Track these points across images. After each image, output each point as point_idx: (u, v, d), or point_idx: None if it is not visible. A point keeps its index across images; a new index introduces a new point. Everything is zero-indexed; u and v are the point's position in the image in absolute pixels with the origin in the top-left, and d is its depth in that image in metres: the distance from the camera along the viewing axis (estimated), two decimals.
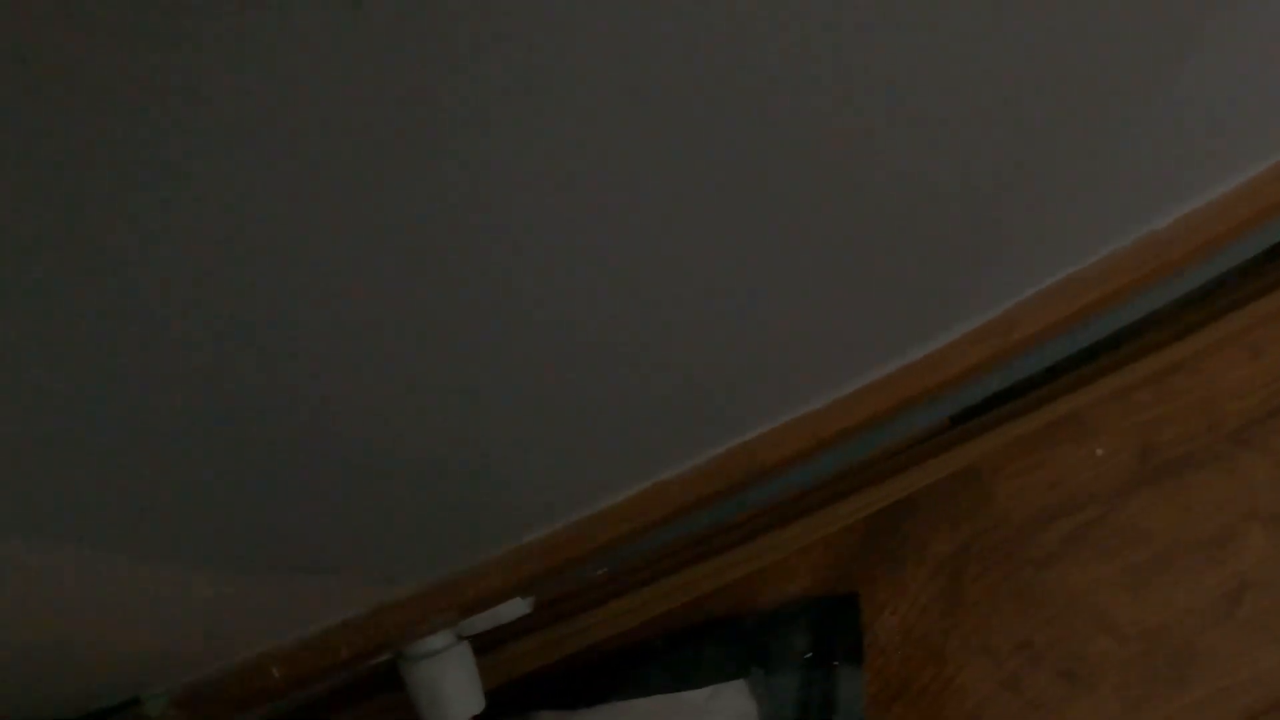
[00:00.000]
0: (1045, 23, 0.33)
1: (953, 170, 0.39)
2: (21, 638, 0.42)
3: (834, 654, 0.80)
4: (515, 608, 0.71)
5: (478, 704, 0.72)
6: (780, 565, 0.82)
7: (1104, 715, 0.75)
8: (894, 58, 0.30)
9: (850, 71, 0.30)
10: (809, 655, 0.81)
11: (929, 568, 0.80)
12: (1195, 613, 0.76)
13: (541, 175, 0.28)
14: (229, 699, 0.63)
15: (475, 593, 0.59)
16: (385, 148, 0.25)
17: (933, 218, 0.42)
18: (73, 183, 0.22)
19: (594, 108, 0.27)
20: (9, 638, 0.41)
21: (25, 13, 0.18)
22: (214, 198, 0.24)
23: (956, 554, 0.80)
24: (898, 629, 0.80)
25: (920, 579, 0.80)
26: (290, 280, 0.28)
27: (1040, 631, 0.77)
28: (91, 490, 0.33)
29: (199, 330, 0.28)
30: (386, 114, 0.24)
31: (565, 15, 0.24)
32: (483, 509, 0.52)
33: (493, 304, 0.34)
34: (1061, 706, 0.76)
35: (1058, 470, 0.80)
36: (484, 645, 0.82)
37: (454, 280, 0.31)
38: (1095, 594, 0.77)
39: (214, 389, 0.31)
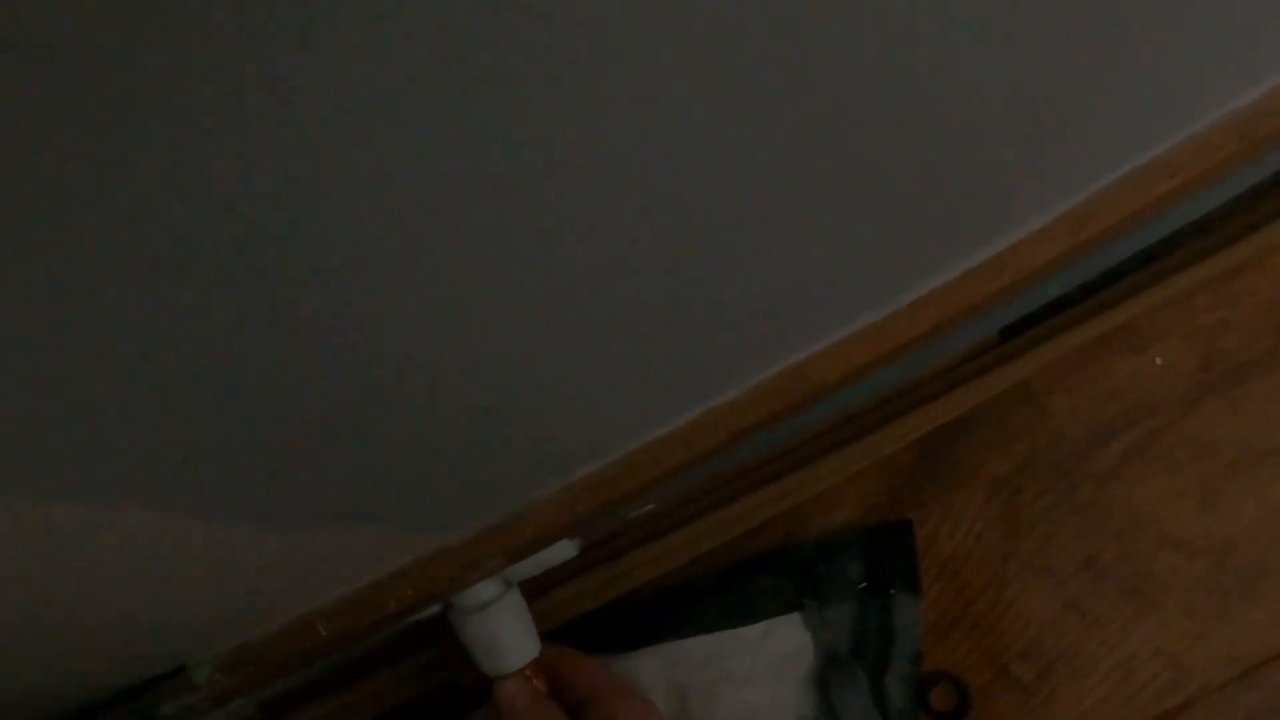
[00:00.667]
0: None
1: (1028, 54, 0.36)
2: (86, 611, 0.40)
3: (889, 582, 0.78)
4: (563, 550, 0.69)
5: (535, 648, 0.70)
6: (830, 494, 0.80)
7: (1170, 632, 0.73)
8: None
9: None
10: (863, 585, 0.79)
11: (984, 490, 0.78)
12: (1267, 524, 0.73)
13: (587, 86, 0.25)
14: (275, 660, 0.61)
15: (527, 535, 0.57)
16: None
17: (1000, 106, 0.38)
18: None
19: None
20: (74, 611, 0.39)
21: None
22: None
23: (1013, 474, 0.77)
24: (954, 554, 0.77)
25: (976, 502, 0.78)
26: (357, 222, 0.25)
27: (1103, 549, 0.75)
28: (151, 449, 0.30)
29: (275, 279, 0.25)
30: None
31: None
32: (533, 448, 0.49)
33: (545, 233, 0.31)
34: (1127, 625, 0.74)
35: (1115, 382, 0.77)
36: (531, 591, 0.80)
37: (506, 214, 0.28)
38: (1160, 509, 0.74)
39: (276, 337, 0.28)
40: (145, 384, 0.27)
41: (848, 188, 0.40)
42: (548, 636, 0.81)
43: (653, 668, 0.78)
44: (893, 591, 0.77)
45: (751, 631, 0.78)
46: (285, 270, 0.26)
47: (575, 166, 0.28)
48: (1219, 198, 0.72)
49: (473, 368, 0.38)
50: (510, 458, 0.48)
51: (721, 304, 0.45)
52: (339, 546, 0.54)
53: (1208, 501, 0.73)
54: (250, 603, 0.57)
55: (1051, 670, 0.75)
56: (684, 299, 0.42)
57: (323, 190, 0.24)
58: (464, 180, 0.26)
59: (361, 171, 0.24)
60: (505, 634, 0.69)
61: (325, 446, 0.36)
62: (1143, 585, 0.74)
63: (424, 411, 0.39)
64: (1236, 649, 0.72)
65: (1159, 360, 0.77)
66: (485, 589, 0.70)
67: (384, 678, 0.83)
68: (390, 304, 0.30)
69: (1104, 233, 0.46)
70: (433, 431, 0.41)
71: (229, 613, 0.57)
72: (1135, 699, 0.73)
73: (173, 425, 0.30)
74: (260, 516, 0.39)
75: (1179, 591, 0.73)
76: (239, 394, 0.30)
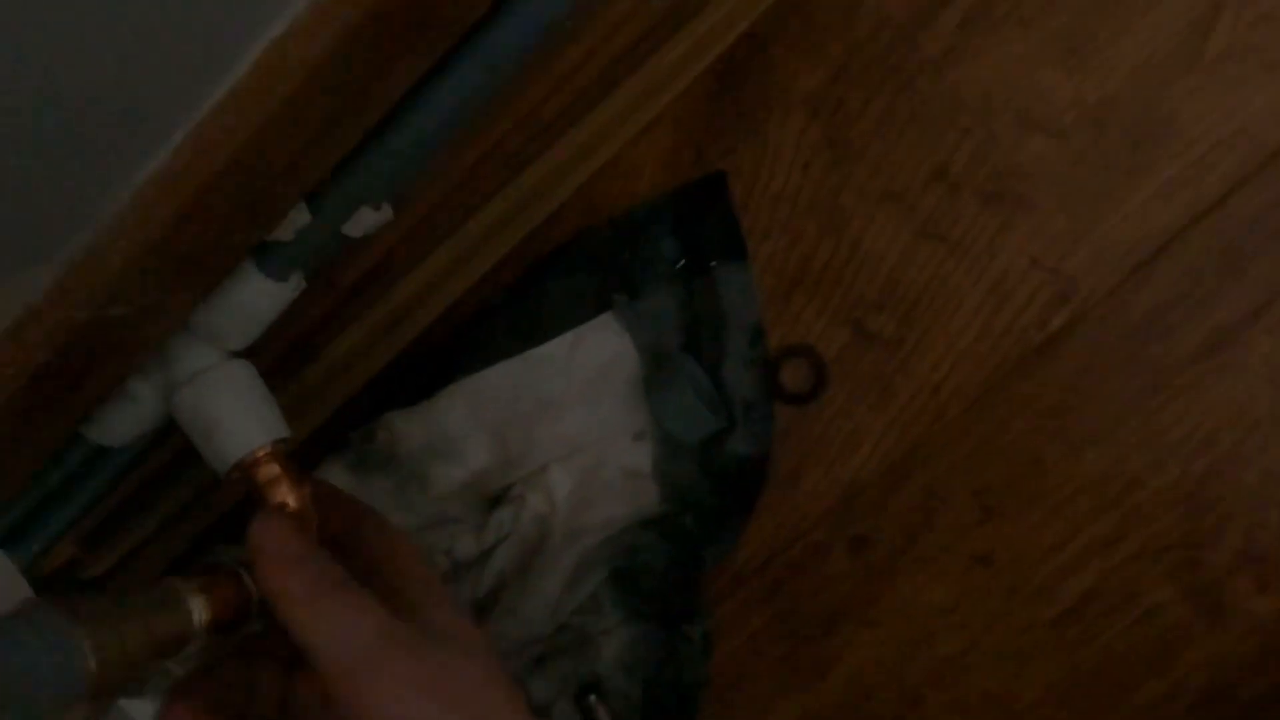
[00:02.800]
0: None
1: None
2: None
3: (709, 253, 0.63)
4: (262, 287, 0.54)
5: (273, 429, 0.57)
6: (618, 161, 0.64)
7: (1045, 238, 0.58)
8: None
9: None
10: (680, 262, 0.64)
11: (800, 113, 0.61)
12: (1152, 69, 0.56)
13: None
14: None
15: (115, 265, 0.42)
16: None
17: None
18: None
19: None
20: None
21: None
22: None
23: (831, 84, 0.60)
24: (780, 200, 0.62)
25: (792, 131, 0.61)
26: None
27: (954, 154, 0.59)
28: None
29: None
30: None
31: None
32: (73, 141, 0.34)
33: None
34: (994, 240, 0.59)
35: None
36: (292, 364, 0.67)
37: None
38: (1015, 84, 0.58)
39: None
40: None
41: None
42: (341, 412, 0.68)
43: (459, 413, 0.65)
44: (715, 263, 0.62)
45: (557, 346, 0.64)
46: None
47: None
48: None
49: None
50: (38, 154, 0.33)
51: None
52: None
53: (1073, 59, 0.56)
54: None
55: (914, 315, 0.61)
56: None
57: None
58: None
59: None
60: (219, 410, 0.55)
61: None
62: (1007, 186, 0.58)
63: None
64: (1125, 241, 0.57)
65: None
66: (186, 360, 0.56)
67: (186, 487, 0.71)
68: None
69: None
70: None
71: None
72: (1015, 326, 0.59)
73: None
74: None
75: (1051, 184, 0.57)
76: None
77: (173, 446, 0.70)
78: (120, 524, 0.72)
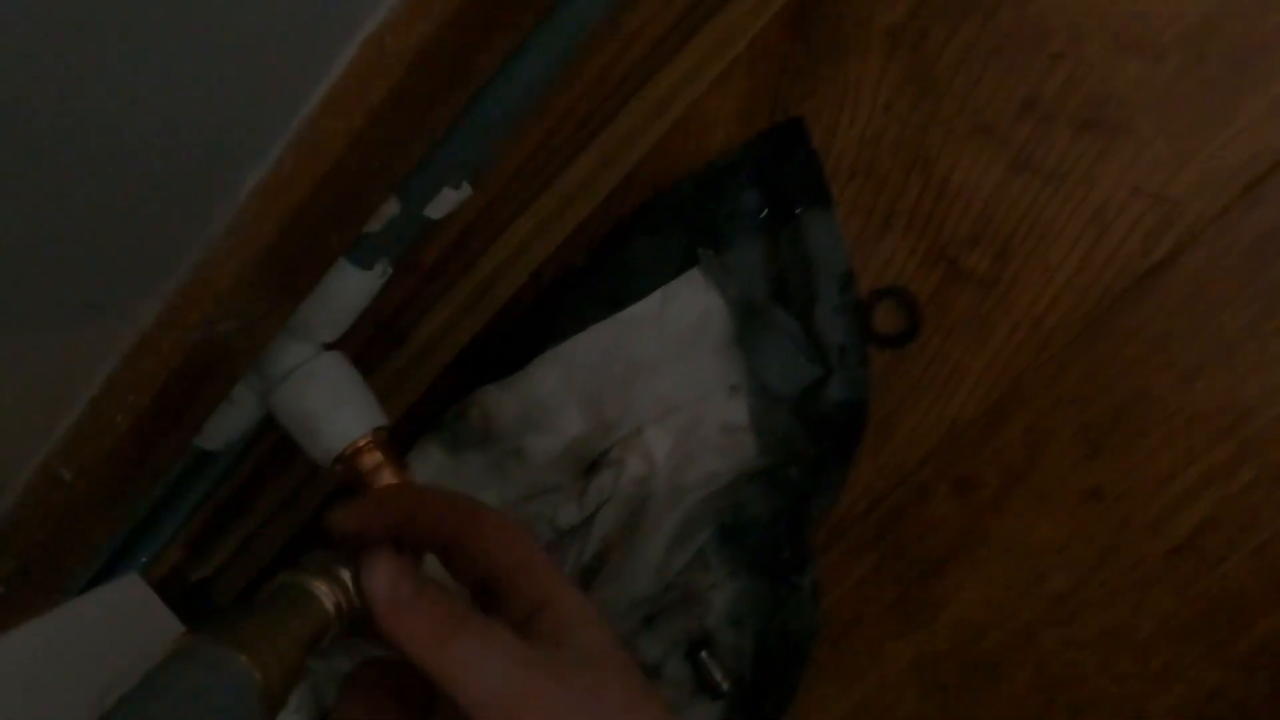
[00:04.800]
0: None
1: None
2: None
3: (792, 201, 0.61)
4: (356, 279, 0.54)
5: (371, 417, 0.57)
6: (694, 115, 0.62)
7: (1146, 164, 0.56)
8: None
9: None
10: (764, 213, 0.63)
11: (879, 51, 0.59)
12: None
13: None
14: (37, 525, 0.50)
15: (227, 281, 0.42)
16: None
17: None
18: None
19: None
20: None
21: None
22: None
23: (910, 18, 0.58)
24: (863, 141, 0.60)
25: (873, 69, 0.59)
26: None
27: (1044, 82, 0.57)
28: None
29: None
30: None
31: None
32: (177, 168, 0.34)
33: None
34: (1091, 169, 0.57)
35: None
36: (385, 346, 0.67)
37: None
38: (1107, 7, 0.55)
39: None
40: None
41: None
42: (433, 389, 0.68)
43: (551, 383, 0.65)
44: (799, 211, 0.61)
45: (646, 306, 0.64)
46: None
47: None
48: None
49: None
50: (144, 184, 0.33)
51: None
52: (31, 373, 0.41)
53: None
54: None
55: (1009, 250, 0.59)
56: None
57: None
58: None
59: None
60: (318, 404, 0.56)
61: None
62: (1102, 113, 0.56)
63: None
64: (1232, 161, 0.54)
65: None
66: (281, 358, 0.56)
67: (282, 486, 0.72)
68: None
69: None
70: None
71: None
72: (1117, 256, 0.57)
73: None
74: None
75: (1149, 108, 0.55)
76: None
77: (265, 447, 0.71)
78: (222, 526, 0.73)
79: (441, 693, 0.31)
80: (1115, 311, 0.58)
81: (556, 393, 0.65)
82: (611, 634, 0.34)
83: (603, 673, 0.32)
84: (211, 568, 0.74)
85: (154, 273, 0.42)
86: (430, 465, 0.67)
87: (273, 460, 0.71)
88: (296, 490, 0.71)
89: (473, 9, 0.37)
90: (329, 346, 0.57)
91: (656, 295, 0.64)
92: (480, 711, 0.30)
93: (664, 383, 0.64)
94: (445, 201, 0.54)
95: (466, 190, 0.56)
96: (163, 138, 0.32)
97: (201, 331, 0.42)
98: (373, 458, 0.55)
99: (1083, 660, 0.61)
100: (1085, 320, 0.58)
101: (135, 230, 0.38)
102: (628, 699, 0.32)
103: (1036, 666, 0.62)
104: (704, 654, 0.64)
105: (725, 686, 0.64)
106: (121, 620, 0.45)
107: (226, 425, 0.57)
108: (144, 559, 0.67)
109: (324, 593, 0.32)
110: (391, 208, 0.49)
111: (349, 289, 0.54)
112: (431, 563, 0.36)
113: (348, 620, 0.33)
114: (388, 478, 0.55)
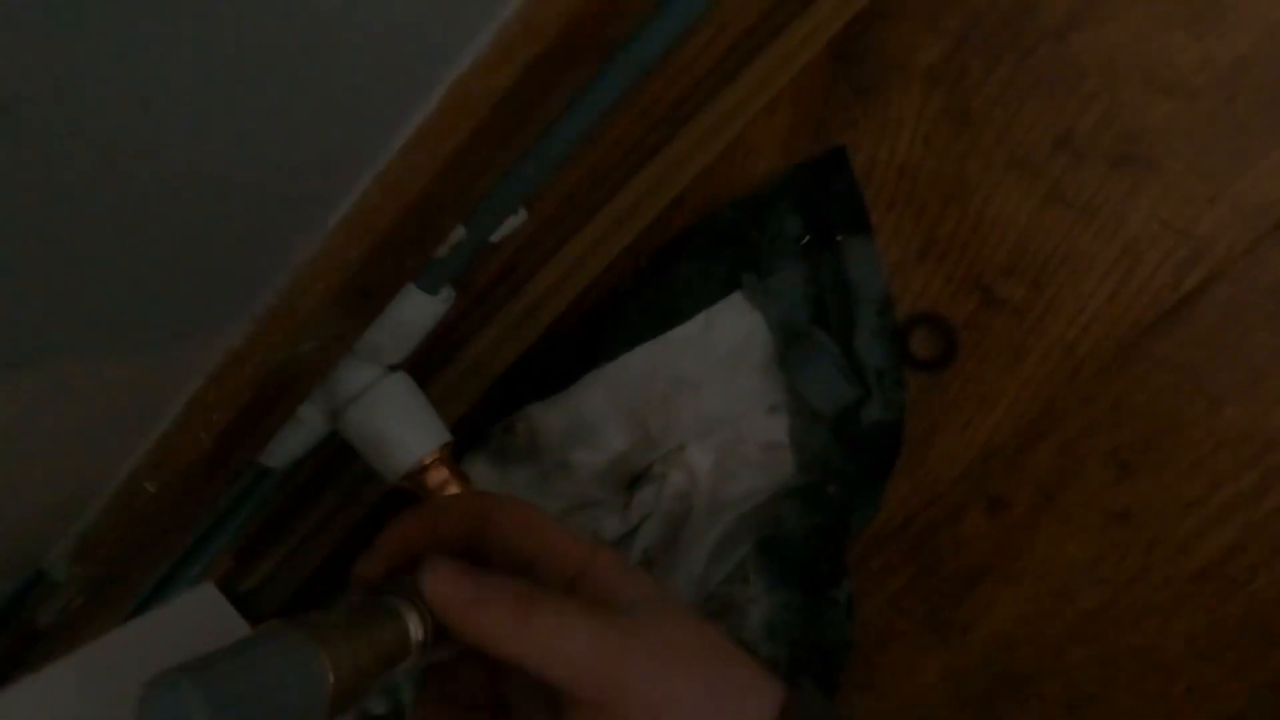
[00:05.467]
0: None
1: None
2: None
3: (833, 227, 0.64)
4: (420, 302, 0.56)
5: (436, 435, 0.59)
6: (739, 143, 0.65)
7: (1177, 199, 0.58)
8: None
9: None
10: (805, 239, 0.65)
11: (919, 85, 0.62)
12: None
13: None
14: (120, 535, 0.52)
15: (310, 304, 0.44)
16: None
17: None
18: None
19: None
20: None
21: None
22: None
23: (951, 55, 0.61)
24: (903, 171, 0.63)
25: (913, 102, 0.62)
26: None
27: (1079, 119, 0.59)
28: None
29: None
30: None
31: None
32: (262, 202, 0.36)
33: None
34: (1123, 204, 0.59)
35: None
36: (434, 364, 0.69)
37: None
38: (1141, 48, 0.57)
39: None
40: None
41: None
42: (480, 404, 0.70)
43: (596, 400, 0.67)
44: (839, 238, 0.64)
45: (690, 328, 0.66)
46: None
47: None
48: None
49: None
50: (240, 217, 0.36)
51: None
52: (110, 390, 0.44)
53: (1200, 21, 0.56)
54: (80, 479, 0.48)
55: (1043, 279, 0.61)
56: None
57: None
58: None
59: None
60: (388, 424, 0.58)
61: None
62: (1135, 150, 0.58)
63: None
64: (1261, 199, 0.57)
65: None
66: (350, 380, 0.58)
67: (328, 501, 0.75)
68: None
69: None
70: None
71: (63, 493, 0.48)
72: (1148, 288, 0.59)
73: None
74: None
75: (1180, 146, 0.58)
76: None
77: (312, 464, 0.73)
78: (268, 539, 0.76)
79: (527, 678, 0.31)
80: (1146, 340, 0.60)
81: (602, 410, 0.67)
82: (646, 574, 0.35)
83: (663, 617, 0.32)
84: (257, 579, 0.76)
85: (244, 298, 0.45)
86: (477, 480, 0.70)
87: (318, 477, 0.74)
88: (338, 507, 0.74)
89: (551, 54, 0.40)
90: (393, 368, 0.60)
91: (700, 317, 0.66)
92: (574, 685, 0.30)
93: (706, 402, 0.67)
94: (505, 227, 0.57)
95: (523, 215, 0.58)
96: (272, 183, 0.35)
97: (285, 353, 0.45)
98: (439, 473, 0.58)
99: (1111, 677, 0.63)
100: (1116, 348, 0.60)
101: (230, 263, 0.41)
102: (696, 633, 0.32)
103: (1065, 682, 0.64)
104: None
105: None
106: (199, 629, 0.47)
107: (291, 443, 0.59)
108: (195, 570, 0.69)
109: (413, 620, 0.33)
110: (459, 235, 0.51)
111: (417, 313, 0.56)
112: None
113: (427, 649, 0.34)
114: (452, 490, 0.58)
